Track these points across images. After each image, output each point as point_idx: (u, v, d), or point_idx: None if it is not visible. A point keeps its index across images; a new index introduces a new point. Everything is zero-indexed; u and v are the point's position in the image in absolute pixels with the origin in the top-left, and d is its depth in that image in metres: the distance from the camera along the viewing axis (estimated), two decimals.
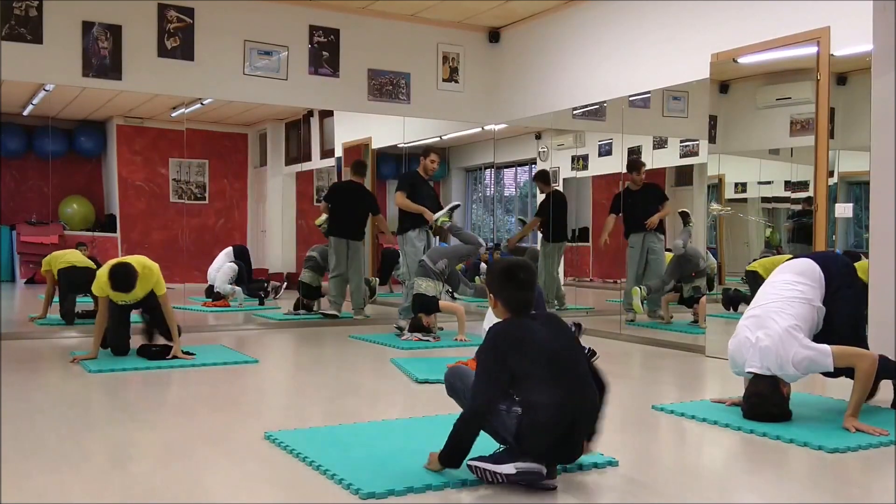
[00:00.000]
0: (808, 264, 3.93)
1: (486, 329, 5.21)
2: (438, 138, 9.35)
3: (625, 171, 7.46)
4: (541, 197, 8.68)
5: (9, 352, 5.76)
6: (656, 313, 7.42)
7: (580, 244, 8.81)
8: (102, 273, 5.36)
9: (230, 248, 8.78)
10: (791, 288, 3.81)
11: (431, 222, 7.03)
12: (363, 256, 8.03)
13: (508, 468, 2.60)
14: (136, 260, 5.45)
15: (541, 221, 8.50)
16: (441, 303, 6.67)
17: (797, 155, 5.82)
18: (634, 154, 7.61)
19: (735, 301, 6.56)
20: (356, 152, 9.10)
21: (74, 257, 6.91)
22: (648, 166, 7.52)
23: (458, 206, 7.25)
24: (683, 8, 6.45)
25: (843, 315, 3.85)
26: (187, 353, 5.48)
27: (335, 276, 7.80)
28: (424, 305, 6.63)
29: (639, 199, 7.44)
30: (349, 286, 7.98)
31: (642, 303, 7.14)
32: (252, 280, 8.94)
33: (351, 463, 2.95)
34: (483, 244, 7.33)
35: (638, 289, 7.14)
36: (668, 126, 7.18)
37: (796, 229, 5.95)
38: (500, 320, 2.79)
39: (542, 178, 8.57)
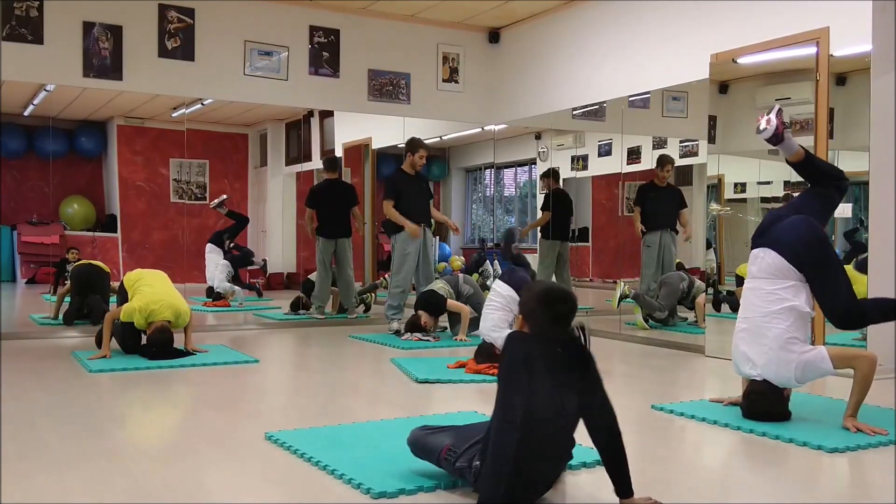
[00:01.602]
0: (774, 262, 3.72)
1: (487, 331, 5.26)
2: (438, 138, 9.36)
3: (654, 165, 7.39)
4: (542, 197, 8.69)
5: (9, 352, 5.76)
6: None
7: (580, 244, 8.81)
8: (138, 314, 5.39)
9: (210, 244, 8.69)
10: (775, 297, 3.69)
11: (416, 235, 6.96)
12: (351, 254, 8.05)
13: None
14: (172, 309, 5.48)
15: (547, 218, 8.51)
16: (449, 302, 6.64)
17: None
18: (635, 154, 7.61)
19: (731, 304, 6.59)
20: (356, 152, 9.11)
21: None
22: (648, 166, 7.52)
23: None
24: (683, 8, 6.45)
25: (833, 292, 3.68)
26: (197, 349, 5.65)
27: (323, 278, 7.84)
28: (430, 303, 6.61)
29: (661, 196, 7.37)
30: (339, 286, 8.01)
31: (646, 321, 7.06)
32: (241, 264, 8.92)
33: (355, 462, 2.96)
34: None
35: (640, 307, 7.08)
36: (667, 126, 7.18)
37: None
38: (517, 330, 2.59)
39: (550, 175, 8.59)
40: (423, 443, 2.80)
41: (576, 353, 2.52)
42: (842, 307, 3.68)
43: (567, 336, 2.50)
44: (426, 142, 7.38)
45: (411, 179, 7.16)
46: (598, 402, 2.51)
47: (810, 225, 3.77)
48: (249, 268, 9.24)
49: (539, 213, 8.78)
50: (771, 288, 3.72)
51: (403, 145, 7.29)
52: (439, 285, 6.72)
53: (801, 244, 3.70)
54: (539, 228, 8.64)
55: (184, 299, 5.69)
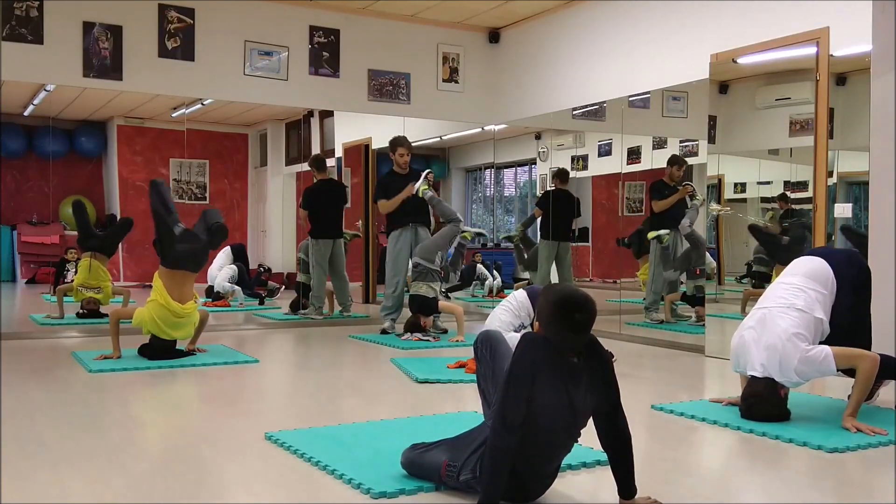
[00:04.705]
0: (820, 267, 3.85)
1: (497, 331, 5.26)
2: (438, 138, 9.36)
3: (665, 164, 7.37)
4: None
5: (9, 352, 5.76)
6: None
7: (580, 244, 8.80)
8: (149, 325, 5.34)
9: (228, 248, 8.79)
10: (802, 294, 3.75)
11: (413, 192, 6.97)
12: (344, 254, 8.07)
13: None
14: (184, 331, 5.45)
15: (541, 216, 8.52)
16: (441, 303, 6.67)
17: (796, 155, 5.82)
18: (635, 154, 7.60)
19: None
20: (356, 152, 9.11)
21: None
22: (648, 166, 7.52)
23: (430, 172, 7.14)
24: (683, 8, 6.45)
25: (848, 319, 3.82)
26: (197, 349, 5.66)
27: (320, 279, 7.84)
28: (423, 306, 6.63)
29: (673, 195, 7.35)
30: (334, 285, 8.01)
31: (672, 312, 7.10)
32: (251, 279, 8.96)
33: (356, 462, 2.96)
34: (461, 219, 7.10)
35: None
36: (667, 126, 7.18)
37: (788, 229, 5.97)
38: (530, 332, 2.57)
39: (558, 175, 8.55)
40: (418, 463, 2.76)
41: (592, 356, 2.51)
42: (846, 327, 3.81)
43: (583, 343, 2.48)
44: (426, 141, 7.38)
45: (400, 179, 7.13)
46: (612, 405, 2.51)
47: (864, 259, 4.06)
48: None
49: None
50: (803, 283, 3.80)
51: None
52: (422, 289, 6.65)
53: (854, 264, 3.92)
54: (539, 228, 8.62)
55: (197, 312, 5.58)
